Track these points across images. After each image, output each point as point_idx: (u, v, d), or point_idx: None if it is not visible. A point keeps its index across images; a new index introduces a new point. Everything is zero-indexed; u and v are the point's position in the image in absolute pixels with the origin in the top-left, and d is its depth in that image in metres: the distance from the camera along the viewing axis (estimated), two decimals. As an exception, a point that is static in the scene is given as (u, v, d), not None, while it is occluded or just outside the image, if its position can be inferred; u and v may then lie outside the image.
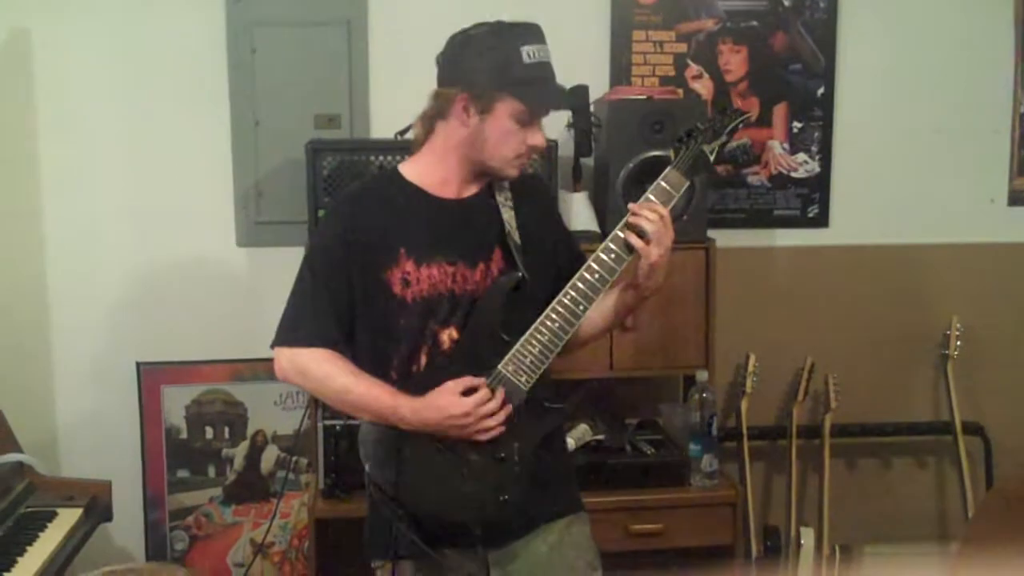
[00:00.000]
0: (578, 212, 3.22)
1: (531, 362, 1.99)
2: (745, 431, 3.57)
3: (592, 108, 3.23)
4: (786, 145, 3.68)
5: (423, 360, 2.03)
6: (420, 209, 2.03)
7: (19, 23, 3.34)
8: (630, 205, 1.97)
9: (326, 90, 3.39)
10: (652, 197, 1.97)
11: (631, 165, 3.09)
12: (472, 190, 2.07)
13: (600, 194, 3.24)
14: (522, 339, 1.99)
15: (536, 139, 1.99)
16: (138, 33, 3.39)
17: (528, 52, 1.92)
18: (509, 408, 1.99)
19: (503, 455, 2.00)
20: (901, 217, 3.74)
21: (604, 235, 2.75)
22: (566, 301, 1.99)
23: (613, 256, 1.98)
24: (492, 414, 1.98)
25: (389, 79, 3.43)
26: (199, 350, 3.52)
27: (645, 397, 3.54)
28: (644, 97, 3.19)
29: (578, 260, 2.04)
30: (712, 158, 2.01)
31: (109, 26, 3.38)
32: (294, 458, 3.54)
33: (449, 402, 1.96)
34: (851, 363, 3.72)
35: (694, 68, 3.58)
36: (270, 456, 3.60)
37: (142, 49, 3.40)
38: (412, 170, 2.08)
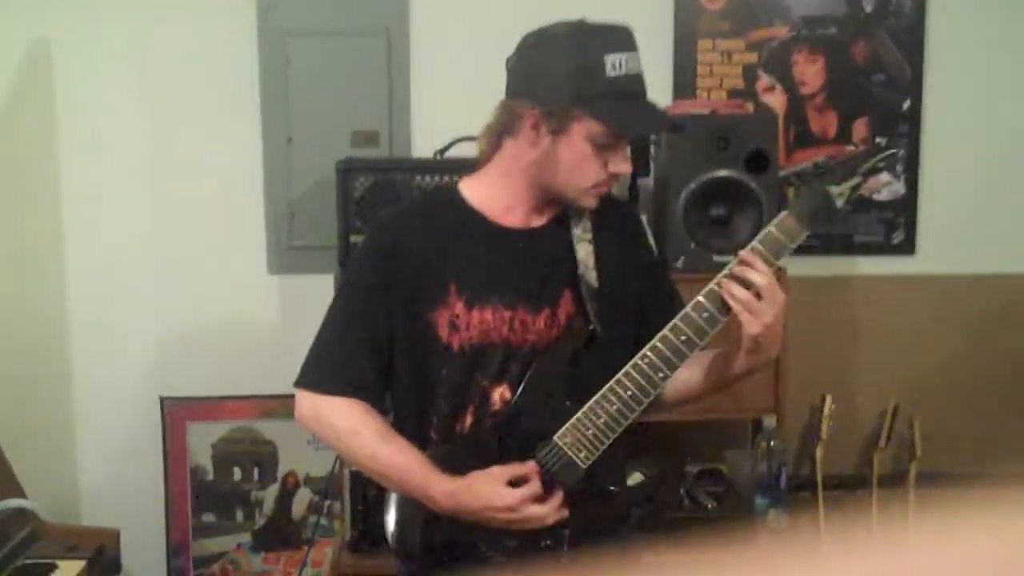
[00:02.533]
0: None
1: (594, 435, 1.85)
2: (820, 480, 3.45)
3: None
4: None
5: (468, 420, 1.89)
6: (479, 238, 1.89)
7: (38, 33, 3.33)
8: (741, 253, 1.79)
9: (364, 105, 3.37)
10: (760, 247, 1.79)
11: (693, 186, 2.99)
12: (542, 219, 1.93)
13: (659, 217, 3.13)
14: (586, 407, 1.84)
15: (619, 166, 1.85)
16: (163, 43, 3.37)
17: (614, 62, 1.78)
18: (560, 498, 1.84)
19: (549, 542, 1.88)
20: (996, 243, 3.65)
21: (663, 261, 2.79)
22: (643, 365, 1.83)
23: (706, 316, 1.80)
24: (541, 501, 1.82)
25: (432, 93, 3.39)
26: (227, 385, 3.47)
27: (709, 442, 3.44)
28: (708, 111, 3.13)
29: (674, 308, 1.87)
30: (840, 204, 1.82)
31: (132, 35, 3.37)
32: (327, 502, 3.46)
33: (492, 492, 1.82)
34: (939, 406, 3.62)
35: (765, 80, 3.51)
36: (302, 499, 3.53)
37: (167, 60, 3.38)
38: (474, 190, 1.95)
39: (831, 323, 3.60)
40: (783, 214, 1.79)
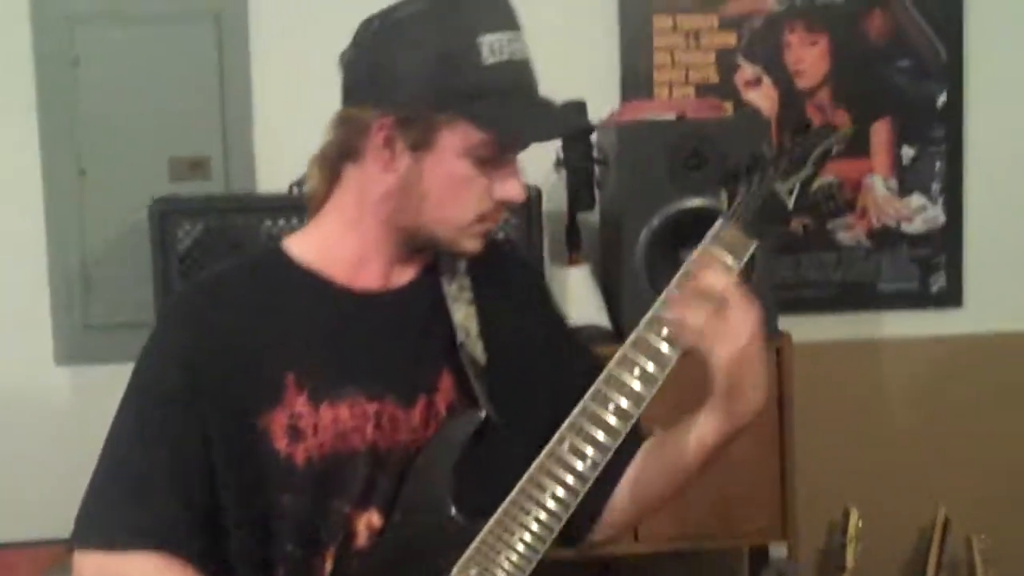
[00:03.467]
0: (576, 298, 3.00)
1: (511, 563, 1.71)
2: (849, 625, 3.21)
3: (594, 136, 3.00)
4: (892, 183, 3.45)
5: (327, 566, 1.75)
6: (319, 310, 1.78)
7: None
8: (667, 294, 1.70)
9: (187, 120, 3.22)
10: (695, 269, 1.71)
11: (656, 222, 2.81)
12: (406, 275, 1.82)
13: (610, 268, 2.99)
14: (491, 521, 1.70)
15: (509, 189, 1.72)
16: None
17: (491, 45, 1.67)
18: None
19: None
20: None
21: (618, 333, 2.79)
22: (563, 453, 1.70)
23: (639, 373, 1.68)
24: None
25: (283, 102, 3.23)
26: (2, 527, 3.24)
27: (689, 583, 3.32)
28: (672, 116, 2.94)
29: (591, 375, 1.77)
30: (790, 204, 1.72)
31: None
32: None
33: None
34: (1006, 517, 3.43)
35: (748, 70, 3.35)
36: None
37: None
38: (306, 246, 1.82)
39: (852, 407, 3.44)
40: (719, 224, 1.72)
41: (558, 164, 2.99)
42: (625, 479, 1.85)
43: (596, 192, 3.01)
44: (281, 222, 2.80)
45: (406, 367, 1.82)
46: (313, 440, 1.77)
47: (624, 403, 1.71)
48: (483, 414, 1.80)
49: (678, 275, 1.72)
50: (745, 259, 1.72)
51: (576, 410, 1.72)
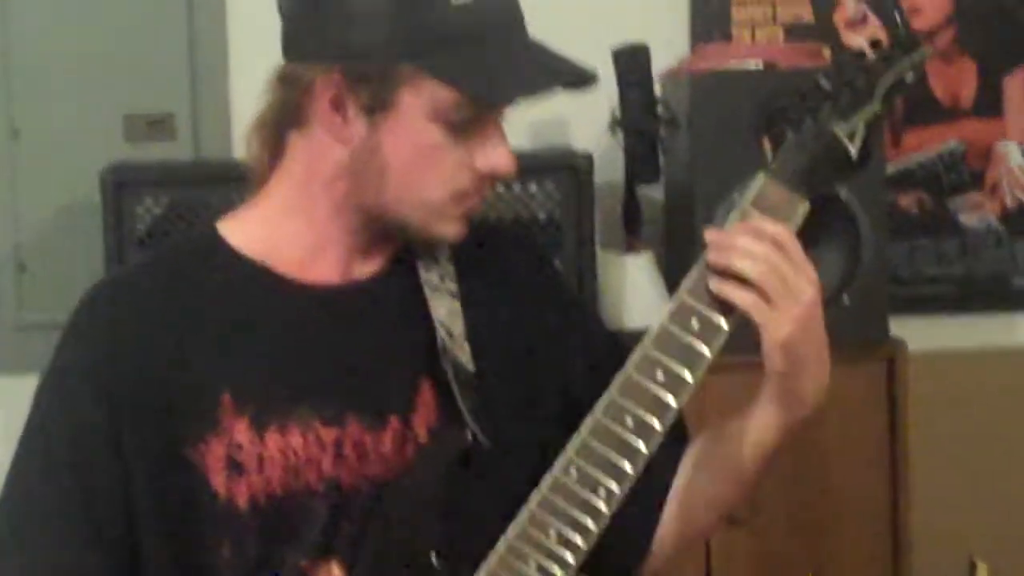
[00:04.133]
0: (636, 293, 2.79)
1: None
2: None
3: (658, 89, 2.82)
4: None
5: None
6: (262, 310, 1.70)
7: None
8: (706, 233, 1.61)
9: (146, 69, 3.01)
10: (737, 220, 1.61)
11: (736, 195, 2.45)
12: (372, 264, 1.72)
13: (679, 256, 2.78)
14: (484, 569, 1.61)
15: (492, 158, 1.62)
16: None
17: None
18: None
19: None
20: None
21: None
22: (569, 482, 1.59)
23: (677, 349, 1.56)
24: None
25: (267, 46, 2.56)
26: None
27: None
28: (758, 65, 2.79)
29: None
30: (853, 151, 1.58)
31: None
32: None
33: None
34: None
35: (851, 6, 3.10)
36: None
37: None
38: (247, 231, 1.72)
39: (981, 431, 3.16)
40: (759, 178, 1.60)
41: (613, 124, 2.79)
42: (670, 498, 1.76)
43: (661, 160, 2.81)
44: None
45: (373, 380, 1.72)
46: (258, 476, 1.66)
47: (644, 414, 1.57)
48: (470, 436, 1.68)
49: (716, 224, 1.69)
50: (796, 224, 1.59)
51: (584, 425, 1.60)
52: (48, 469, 1.68)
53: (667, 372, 1.58)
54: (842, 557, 2.72)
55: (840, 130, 1.62)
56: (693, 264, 2.47)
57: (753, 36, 3.10)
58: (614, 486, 1.59)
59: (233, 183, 2.49)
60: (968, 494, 3.13)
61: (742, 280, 1.57)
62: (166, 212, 2.65)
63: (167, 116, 2.99)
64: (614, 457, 1.59)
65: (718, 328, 1.55)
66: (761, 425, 1.67)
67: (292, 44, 1.67)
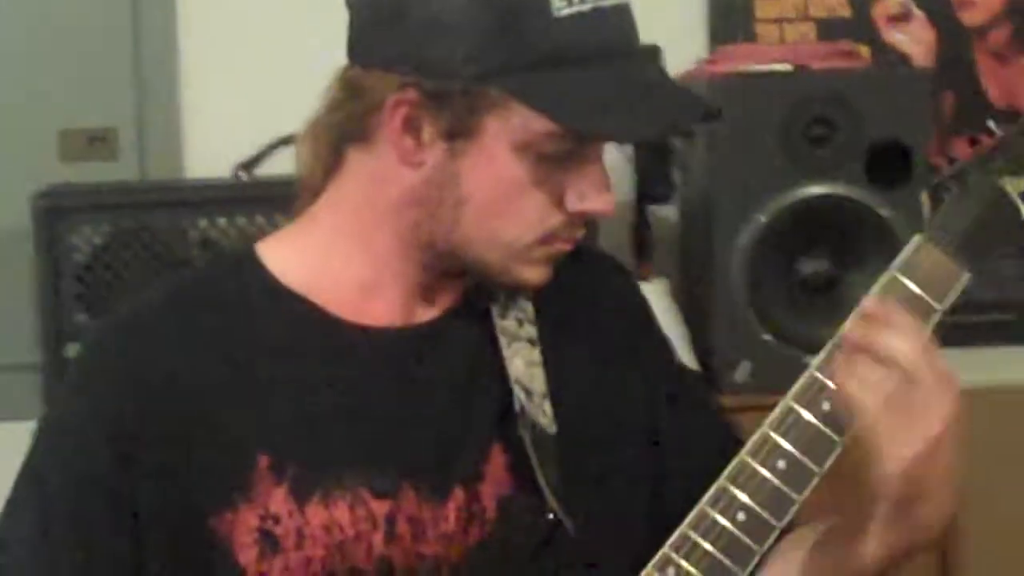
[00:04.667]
0: None
1: None
2: None
3: None
4: None
5: None
6: (310, 356, 1.57)
7: None
8: (860, 308, 1.48)
9: (86, 79, 2.93)
10: (883, 300, 1.50)
11: (763, 218, 2.52)
12: (438, 305, 1.62)
13: (696, 283, 2.76)
14: None
15: (589, 197, 1.51)
16: None
17: None
18: None
19: None
20: None
21: (707, 374, 2.62)
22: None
23: (784, 465, 1.48)
24: None
25: (222, 53, 2.92)
26: None
27: None
28: (787, 67, 2.69)
29: (722, 459, 1.53)
30: None
31: None
32: None
33: None
34: None
35: (893, 1, 3.06)
36: None
37: None
38: (291, 258, 1.62)
39: None
40: (916, 241, 1.50)
41: (622, 139, 2.84)
42: None
43: (675, 177, 2.79)
44: (221, 221, 2.59)
45: (435, 444, 1.58)
46: (296, 554, 1.54)
47: (759, 508, 1.49)
48: (551, 515, 1.56)
49: (851, 318, 1.48)
50: (952, 298, 1.46)
51: (688, 519, 1.50)
52: (45, 534, 1.57)
53: (787, 459, 1.50)
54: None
55: (1011, 186, 1.52)
56: (714, 290, 2.60)
57: (781, 34, 3.02)
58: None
59: (183, 208, 2.62)
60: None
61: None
62: (108, 241, 2.57)
63: (109, 131, 2.91)
64: (721, 556, 1.52)
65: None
66: (867, 547, 1.53)
67: (361, 46, 1.57)
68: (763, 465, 1.48)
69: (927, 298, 1.45)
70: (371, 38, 1.55)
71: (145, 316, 1.65)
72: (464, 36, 1.47)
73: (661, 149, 2.76)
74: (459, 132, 1.49)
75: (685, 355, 2.67)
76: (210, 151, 2.88)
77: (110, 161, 2.89)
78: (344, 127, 1.57)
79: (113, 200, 2.63)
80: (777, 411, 1.47)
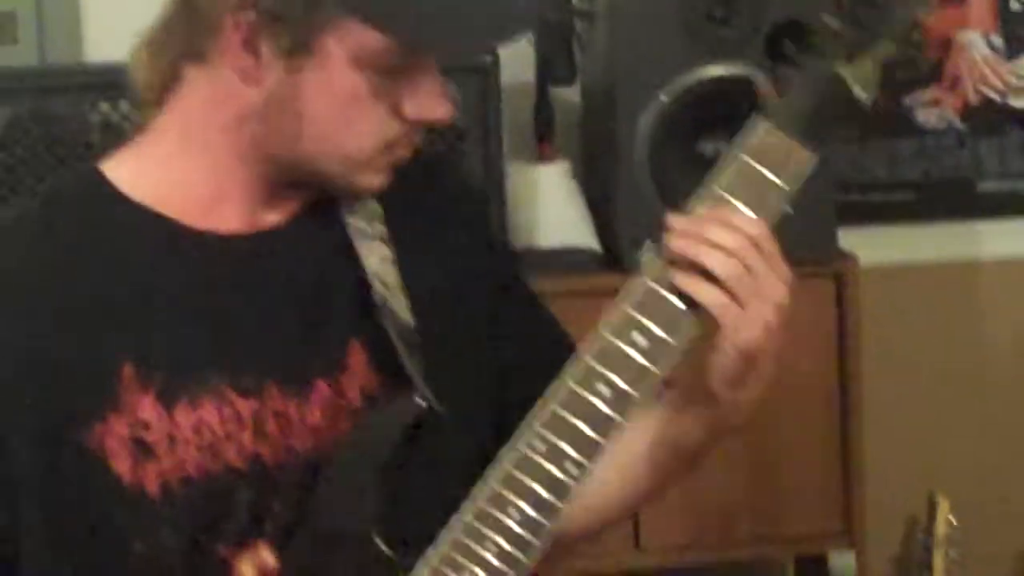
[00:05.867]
0: (549, 207, 2.77)
1: None
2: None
3: None
4: (997, 40, 3.13)
5: None
6: (164, 265, 1.58)
7: None
8: (671, 219, 1.50)
9: None
10: (723, 193, 1.49)
11: (664, 99, 2.54)
12: (284, 211, 1.62)
13: (598, 165, 2.75)
14: (436, 552, 1.52)
15: (426, 106, 1.52)
16: None
17: None
18: None
19: None
20: None
21: (610, 256, 2.65)
22: (534, 456, 1.51)
23: (647, 339, 1.47)
24: None
25: None
26: None
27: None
28: None
29: (559, 352, 1.55)
30: (865, 95, 1.48)
31: None
32: None
33: None
34: None
35: None
36: None
37: None
38: (137, 173, 1.60)
39: (941, 353, 3.12)
40: (759, 123, 1.49)
41: (521, 20, 2.71)
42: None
43: (577, 58, 2.75)
44: (123, 105, 2.47)
45: (296, 340, 1.58)
46: (169, 459, 1.54)
47: (621, 387, 1.46)
48: (420, 401, 1.55)
49: (697, 196, 1.48)
50: (799, 180, 1.48)
51: (551, 392, 1.47)
52: None
53: (649, 334, 1.49)
54: (789, 495, 2.66)
55: (846, 72, 1.53)
56: (617, 172, 2.59)
57: None
58: (587, 462, 1.51)
59: (84, 92, 2.56)
60: (927, 425, 3.08)
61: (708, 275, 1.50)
62: (7, 128, 2.51)
63: (7, 16, 2.86)
64: (586, 429, 1.51)
65: (683, 324, 1.49)
66: (686, 427, 1.59)
67: None
68: (626, 343, 1.49)
69: (778, 181, 1.48)
70: None
71: None
72: None
73: (562, 31, 2.74)
74: (296, 49, 1.50)
75: (586, 235, 2.75)
76: (111, 34, 2.60)
77: (9, 45, 2.87)
78: (181, 46, 1.57)
79: (13, 85, 2.61)
80: (623, 297, 1.48)
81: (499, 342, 1.72)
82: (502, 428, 1.57)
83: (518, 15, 1.63)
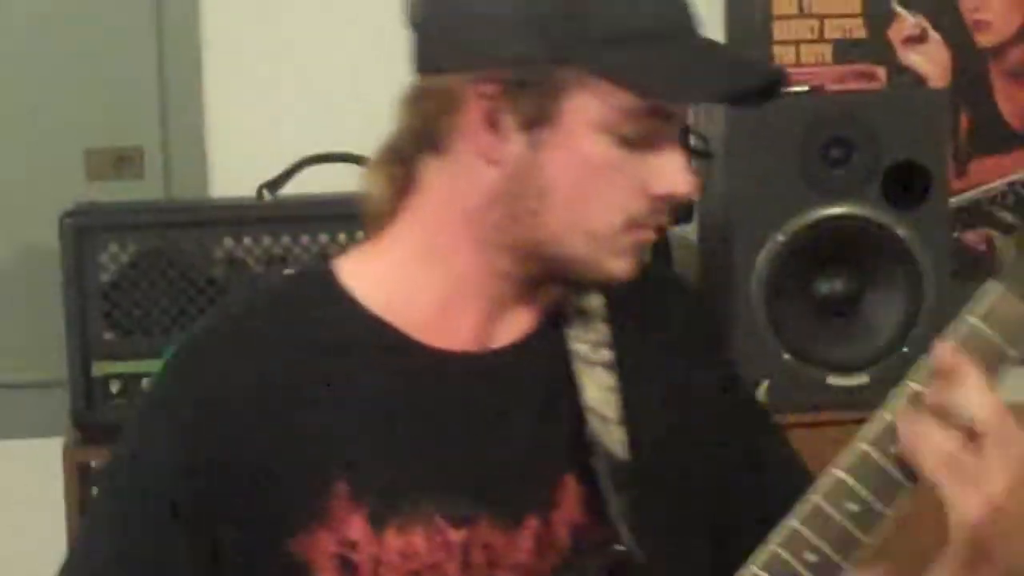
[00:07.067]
0: None
1: None
2: None
3: (690, 117, 2.74)
4: None
5: None
6: (389, 384, 1.56)
7: None
8: (931, 352, 1.45)
9: (110, 97, 2.95)
10: (959, 346, 1.45)
11: (780, 238, 2.59)
12: (515, 328, 1.59)
13: (716, 304, 2.77)
14: None
15: (670, 178, 1.49)
16: None
17: None
18: None
19: None
20: None
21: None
22: None
23: (854, 509, 1.44)
24: None
25: (247, 74, 2.93)
26: None
27: None
28: (803, 87, 2.80)
29: (790, 491, 1.49)
30: None
31: None
32: None
33: None
34: None
35: (908, 20, 3.07)
36: None
37: None
38: (369, 278, 1.60)
39: None
40: (993, 288, 1.43)
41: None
42: None
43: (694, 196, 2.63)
44: (247, 241, 2.61)
45: (512, 471, 1.57)
46: None
47: (829, 548, 1.44)
48: (621, 548, 1.54)
49: (919, 368, 1.42)
50: None
51: (761, 554, 1.46)
52: (118, 562, 1.57)
53: (857, 502, 1.46)
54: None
55: None
56: (734, 310, 2.60)
57: (798, 55, 3.03)
58: None
59: (209, 227, 2.67)
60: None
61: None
62: (134, 260, 2.59)
63: (135, 150, 2.94)
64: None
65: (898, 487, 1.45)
66: None
67: (428, 54, 1.55)
68: (834, 501, 1.46)
69: (1006, 347, 1.43)
70: (441, 46, 1.55)
71: (217, 336, 1.66)
72: (534, 21, 1.48)
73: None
74: (539, 119, 1.49)
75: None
76: (235, 170, 2.91)
77: (136, 180, 2.94)
78: (419, 139, 1.57)
79: (139, 219, 2.67)
80: (850, 449, 1.46)
81: (724, 471, 1.68)
82: (723, 547, 1.58)
83: (756, 65, 1.70)
